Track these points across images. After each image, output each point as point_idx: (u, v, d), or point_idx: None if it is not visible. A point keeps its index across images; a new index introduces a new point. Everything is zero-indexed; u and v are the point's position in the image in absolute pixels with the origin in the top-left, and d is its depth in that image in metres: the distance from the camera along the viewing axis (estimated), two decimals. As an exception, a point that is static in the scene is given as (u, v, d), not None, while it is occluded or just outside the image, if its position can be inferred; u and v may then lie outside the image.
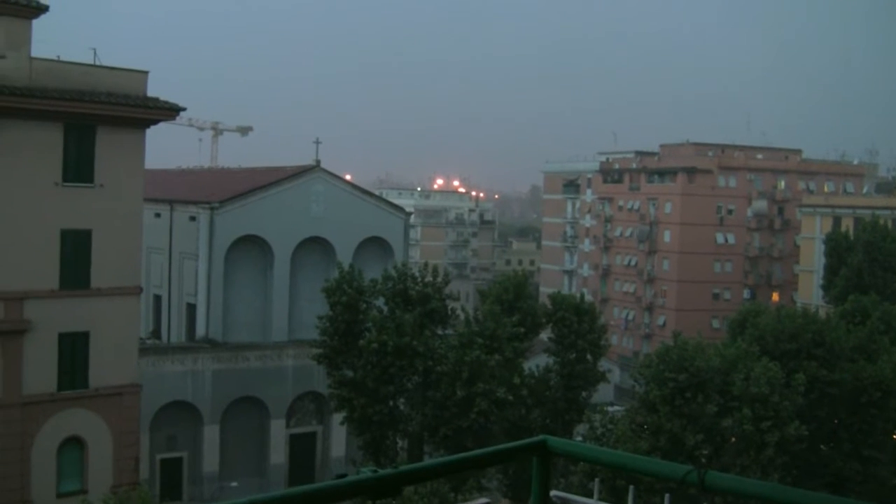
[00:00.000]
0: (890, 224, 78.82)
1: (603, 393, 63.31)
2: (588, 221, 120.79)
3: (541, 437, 4.31)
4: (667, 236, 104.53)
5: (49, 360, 38.59)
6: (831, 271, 75.78)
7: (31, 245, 37.93)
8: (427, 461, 4.31)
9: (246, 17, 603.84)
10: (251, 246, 59.17)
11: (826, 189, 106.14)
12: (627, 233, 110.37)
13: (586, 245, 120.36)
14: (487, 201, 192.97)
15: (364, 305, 44.73)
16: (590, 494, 14.32)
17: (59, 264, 38.83)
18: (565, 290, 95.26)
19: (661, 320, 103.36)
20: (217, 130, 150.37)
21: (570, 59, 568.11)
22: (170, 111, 41.92)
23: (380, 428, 43.65)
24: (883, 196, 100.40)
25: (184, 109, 42.87)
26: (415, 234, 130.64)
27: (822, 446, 46.32)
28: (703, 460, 40.51)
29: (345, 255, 57.77)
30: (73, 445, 39.81)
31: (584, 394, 50.73)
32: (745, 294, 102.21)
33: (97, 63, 41.41)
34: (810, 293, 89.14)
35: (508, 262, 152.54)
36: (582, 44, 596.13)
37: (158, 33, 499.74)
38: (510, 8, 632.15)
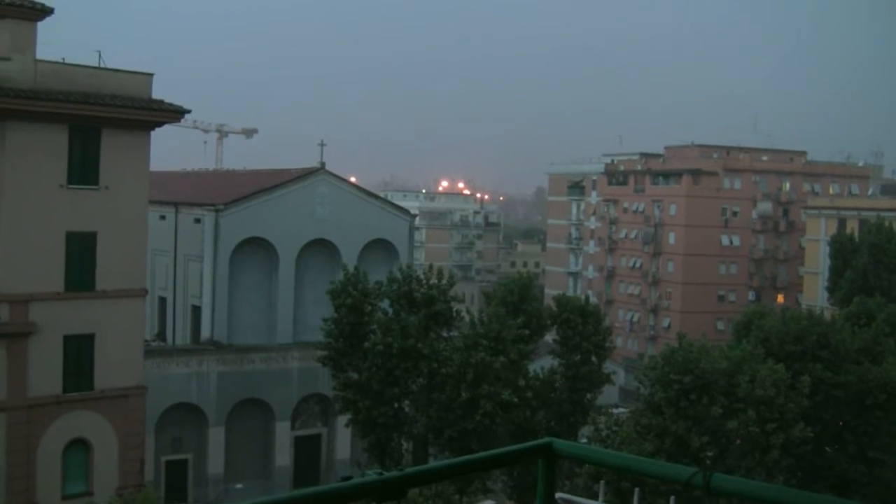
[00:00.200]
0: (895, 226, 78.64)
1: (608, 395, 63.30)
2: (593, 223, 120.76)
3: (546, 439, 4.31)
4: (672, 238, 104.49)
5: (54, 362, 38.62)
6: (836, 273, 75.70)
7: (36, 247, 37.97)
8: (432, 463, 4.32)
9: (250, 19, 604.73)
10: (256, 248, 59.21)
11: (831, 191, 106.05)
12: (632, 235, 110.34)
13: (591, 247, 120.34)
14: (492, 203, 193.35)
15: (369, 307, 44.73)
16: (595, 496, 14.34)
17: (64, 266, 38.88)
18: (570, 292, 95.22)
19: (665, 322, 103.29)
20: (222, 133, 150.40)
21: (574, 60, 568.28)
22: (175, 113, 41.98)
23: (385, 430, 43.65)
24: (888, 198, 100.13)
25: (188, 112, 42.92)
26: (420, 236, 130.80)
27: (827, 448, 46.27)
28: (708, 462, 40.46)
29: (350, 258, 57.78)
30: (79, 447, 39.85)
31: (588, 396, 50.70)
32: (750, 296, 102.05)
33: (102, 65, 41.48)
34: (815, 295, 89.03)
35: (513, 264, 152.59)
36: (587, 45, 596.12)
37: (163, 36, 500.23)
38: (515, 8, 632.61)
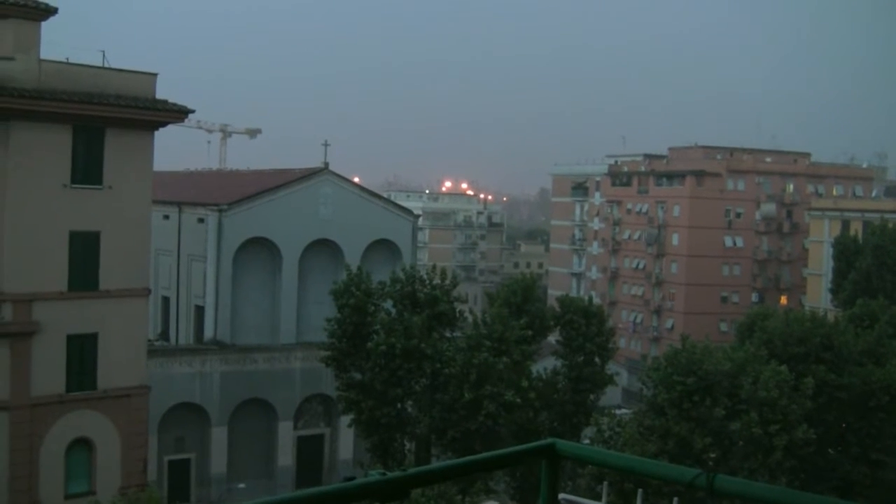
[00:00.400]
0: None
1: (611, 396, 63.27)
2: (596, 224, 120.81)
3: (550, 440, 4.31)
4: (675, 239, 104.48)
5: (57, 361, 38.68)
6: (840, 275, 75.66)
7: (39, 247, 38.02)
8: (436, 464, 4.32)
9: (250, 19, 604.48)
10: (259, 248, 59.24)
11: (835, 192, 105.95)
12: (636, 236, 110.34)
13: (594, 248, 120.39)
14: (496, 204, 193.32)
15: (372, 308, 44.71)
16: (598, 497, 14.32)
17: (67, 266, 38.93)
18: (573, 293, 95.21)
19: (669, 323, 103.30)
20: (225, 133, 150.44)
21: (577, 60, 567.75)
22: (178, 113, 42.02)
23: (387, 430, 43.64)
24: (892, 199, 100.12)
25: (192, 112, 42.95)
26: (423, 236, 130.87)
27: (830, 450, 46.22)
28: (711, 464, 40.44)
29: (353, 258, 57.78)
30: (82, 447, 39.90)
31: (591, 397, 50.67)
32: (754, 297, 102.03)
33: (106, 65, 41.52)
34: (819, 297, 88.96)
35: (517, 265, 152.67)
36: (589, 45, 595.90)
37: (167, 35, 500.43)
38: (516, 8, 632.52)
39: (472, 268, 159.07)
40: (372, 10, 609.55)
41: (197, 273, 59.52)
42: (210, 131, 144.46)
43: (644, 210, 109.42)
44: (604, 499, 12.57)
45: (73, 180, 38.84)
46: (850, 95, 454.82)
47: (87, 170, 39.23)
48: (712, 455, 41.07)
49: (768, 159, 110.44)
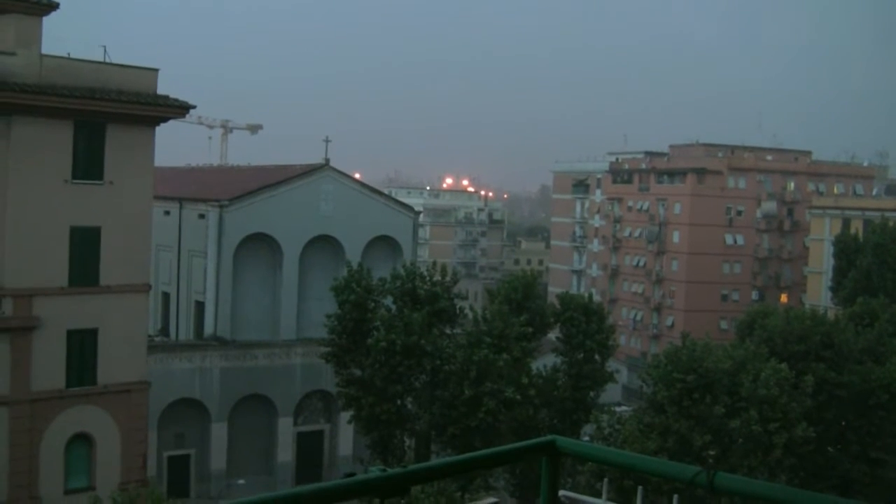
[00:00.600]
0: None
1: (611, 393, 63.20)
2: (597, 222, 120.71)
3: (550, 437, 4.31)
4: (676, 237, 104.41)
5: (58, 356, 38.68)
6: (840, 273, 75.61)
7: (40, 242, 38.00)
8: (436, 461, 4.31)
9: (251, 18, 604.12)
10: (260, 244, 59.24)
11: (836, 191, 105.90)
12: (636, 233, 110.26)
13: (595, 245, 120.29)
14: (496, 201, 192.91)
15: (372, 304, 44.74)
16: (598, 494, 14.32)
17: (68, 261, 38.92)
18: (574, 290, 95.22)
19: (669, 321, 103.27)
20: (227, 128, 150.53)
21: (578, 59, 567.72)
22: (179, 109, 42.01)
23: (387, 427, 43.66)
24: (893, 198, 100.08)
25: (193, 107, 42.96)
26: (424, 233, 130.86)
27: (829, 448, 46.26)
28: (711, 461, 40.44)
29: (353, 254, 57.83)
30: (81, 442, 39.91)
31: (591, 394, 50.65)
32: (754, 295, 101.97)
33: (107, 61, 41.52)
34: (819, 295, 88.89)
35: (517, 262, 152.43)
36: (590, 44, 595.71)
37: (168, 31, 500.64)
38: (517, 8, 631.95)
39: (473, 264, 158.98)
40: (372, 10, 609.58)
41: (197, 269, 59.53)
42: (211, 127, 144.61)
43: (645, 207, 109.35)
44: (604, 496, 12.59)
45: (74, 175, 38.82)
46: (852, 94, 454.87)
47: (88, 165, 39.21)
48: (712, 453, 41.06)
49: (769, 157, 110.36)
